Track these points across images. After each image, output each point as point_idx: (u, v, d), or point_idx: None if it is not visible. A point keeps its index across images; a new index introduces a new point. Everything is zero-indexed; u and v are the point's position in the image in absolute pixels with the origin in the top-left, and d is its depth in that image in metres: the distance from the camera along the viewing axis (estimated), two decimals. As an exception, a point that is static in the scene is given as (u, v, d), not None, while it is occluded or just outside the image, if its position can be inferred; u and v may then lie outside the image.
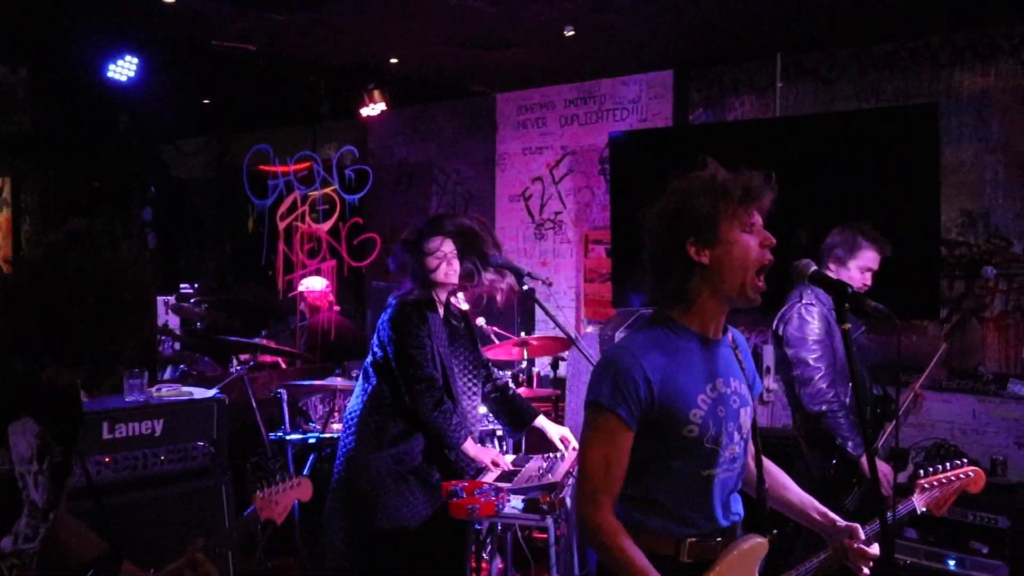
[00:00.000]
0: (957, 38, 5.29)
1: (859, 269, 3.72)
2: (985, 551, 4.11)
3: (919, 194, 4.86)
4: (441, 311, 3.78)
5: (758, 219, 2.06)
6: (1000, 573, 4.00)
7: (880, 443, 3.86)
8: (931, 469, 2.52)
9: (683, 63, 6.37)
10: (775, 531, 2.19)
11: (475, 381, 3.88)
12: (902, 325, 2.03)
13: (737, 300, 2.06)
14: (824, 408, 3.59)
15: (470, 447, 3.67)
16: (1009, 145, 5.16)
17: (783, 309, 3.73)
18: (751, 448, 2.26)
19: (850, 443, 3.59)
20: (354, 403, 3.80)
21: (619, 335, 4.89)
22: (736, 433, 2.13)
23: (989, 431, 5.08)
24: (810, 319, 3.65)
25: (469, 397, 3.83)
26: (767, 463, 2.33)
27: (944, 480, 2.51)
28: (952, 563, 4.17)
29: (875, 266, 3.73)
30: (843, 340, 1.92)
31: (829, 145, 5.15)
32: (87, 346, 1.75)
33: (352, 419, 3.76)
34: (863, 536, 2.21)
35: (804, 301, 3.68)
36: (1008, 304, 5.14)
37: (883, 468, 3.68)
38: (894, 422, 3.85)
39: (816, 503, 2.32)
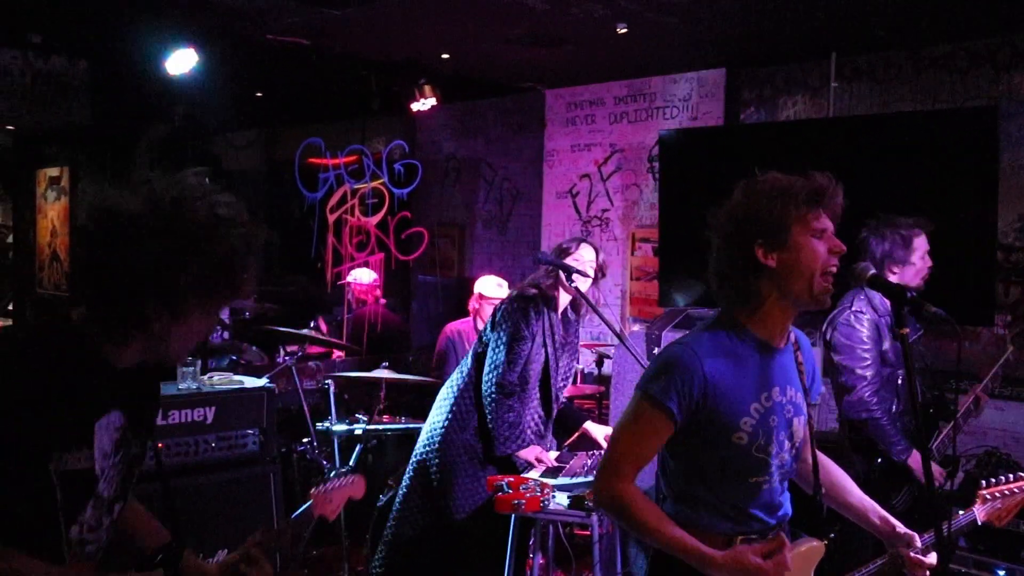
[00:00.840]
0: (1017, 39, 5.18)
1: (920, 259, 3.67)
2: (1036, 562, 4.04)
3: (976, 198, 4.78)
4: (559, 313, 3.89)
5: (829, 225, 2.06)
6: (1051, 584, 3.92)
7: (934, 445, 3.81)
8: (993, 480, 2.46)
9: (735, 62, 6.32)
10: (832, 535, 2.19)
11: (565, 383, 4.01)
12: (950, 319, 2.01)
13: (805, 302, 2.06)
14: (866, 416, 3.57)
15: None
16: (1070, 149, 5.05)
17: (833, 313, 3.70)
18: (807, 451, 2.26)
19: (895, 448, 3.57)
20: (451, 386, 3.94)
21: (666, 334, 4.87)
22: (787, 442, 2.13)
23: (1043, 440, 4.99)
24: (859, 327, 3.62)
25: (558, 400, 3.95)
26: (831, 465, 2.35)
27: (1008, 492, 2.44)
28: (1002, 573, 4.09)
29: (928, 247, 3.68)
30: (902, 345, 1.90)
31: (885, 147, 5.07)
32: (194, 292, 1.72)
33: (447, 401, 3.89)
34: (920, 545, 2.19)
35: (854, 308, 3.65)
36: (1065, 311, 5.03)
37: (935, 470, 3.63)
38: (951, 424, 3.79)
39: (877, 507, 2.31)
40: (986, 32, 5.22)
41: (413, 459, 3.94)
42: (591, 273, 3.81)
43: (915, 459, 3.60)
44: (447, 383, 3.99)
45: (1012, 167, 5.15)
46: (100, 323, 1.75)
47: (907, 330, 1.92)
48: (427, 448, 3.88)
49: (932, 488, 2.02)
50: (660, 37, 5.62)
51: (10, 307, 9.53)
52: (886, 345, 3.66)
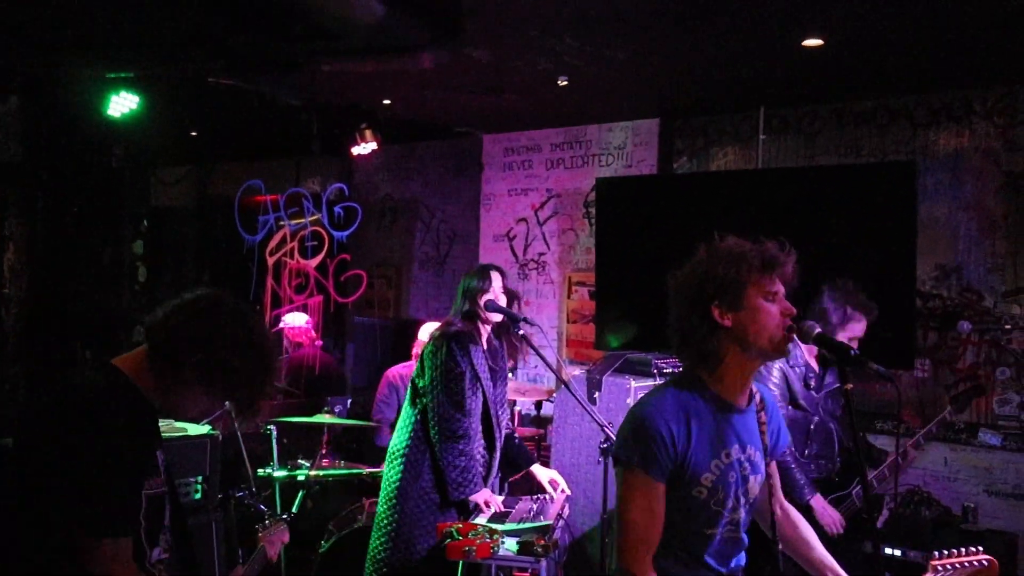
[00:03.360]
0: (934, 99, 5.52)
1: (856, 333, 3.89)
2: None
3: (897, 247, 5.02)
4: (484, 344, 3.93)
5: (781, 288, 2.18)
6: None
7: (853, 491, 4.02)
8: (946, 552, 2.47)
9: (669, 112, 6.54)
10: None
11: (505, 413, 4.04)
12: (892, 375, 2.16)
13: (767, 355, 2.19)
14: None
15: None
16: (982, 204, 5.37)
17: None
18: (779, 499, 2.39)
19: (799, 490, 3.79)
20: (399, 437, 3.93)
21: (607, 378, 4.98)
22: (743, 498, 2.24)
23: (960, 478, 5.23)
24: (767, 374, 3.82)
25: (500, 427, 3.96)
26: (800, 520, 2.48)
27: (958, 565, 2.44)
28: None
29: (862, 334, 3.90)
30: (845, 400, 2.03)
31: (811, 197, 5.31)
32: (240, 384, 2.11)
33: (398, 453, 3.88)
34: None
35: None
36: (979, 356, 5.31)
37: (832, 514, 3.84)
38: (876, 472, 3.99)
39: (835, 566, 2.41)
40: (904, 90, 5.54)
41: (377, 518, 3.92)
42: (504, 298, 3.92)
43: (818, 502, 3.81)
44: (395, 435, 3.98)
45: (929, 219, 5.45)
46: (155, 372, 2.08)
47: (851, 386, 2.05)
48: (386, 505, 3.87)
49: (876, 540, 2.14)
50: (598, 88, 5.81)
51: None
52: (797, 392, 3.87)
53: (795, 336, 2.16)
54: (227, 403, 2.20)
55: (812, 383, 4.01)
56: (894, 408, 5.03)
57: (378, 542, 3.87)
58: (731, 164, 6.34)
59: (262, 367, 2.13)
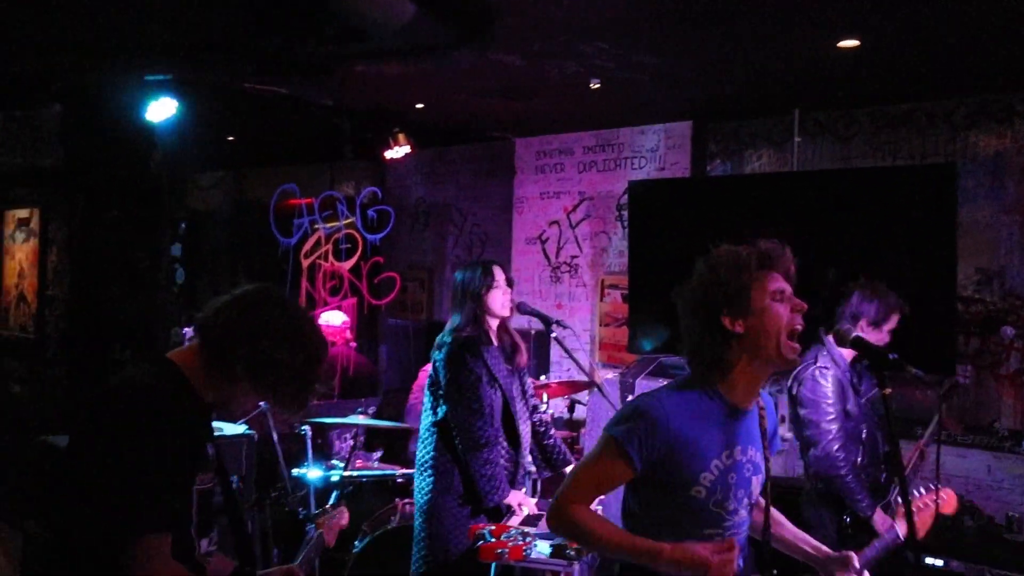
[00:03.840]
0: (973, 101, 5.44)
1: (887, 333, 3.83)
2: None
3: (936, 251, 4.95)
4: (496, 341, 3.91)
5: (786, 286, 2.18)
6: (1014, 629, 4.03)
7: (891, 498, 3.95)
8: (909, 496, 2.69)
9: (702, 115, 6.51)
10: (775, 572, 2.30)
11: (526, 407, 4.02)
12: (925, 378, 2.15)
13: (775, 363, 2.17)
14: (832, 472, 3.70)
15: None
16: (1023, 206, 5.27)
17: (798, 369, 3.81)
18: (760, 500, 2.37)
19: (860, 504, 3.70)
20: (423, 447, 3.93)
21: (640, 382, 4.96)
22: (745, 499, 2.24)
23: (1004, 487, 5.13)
24: (824, 382, 3.76)
25: (524, 421, 3.95)
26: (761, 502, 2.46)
27: (920, 506, 2.84)
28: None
29: (888, 336, 3.86)
30: (884, 404, 2.01)
31: (847, 201, 5.25)
32: (286, 378, 2.12)
33: (425, 464, 3.88)
34: (857, 563, 2.35)
35: (819, 364, 3.79)
36: None
37: (887, 520, 3.78)
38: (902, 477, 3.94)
39: (808, 538, 2.46)
40: (943, 93, 5.46)
41: (415, 530, 3.93)
42: (509, 288, 3.90)
43: (878, 515, 3.75)
44: (420, 444, 3.96)
45: (970, 222, 5.36)
46: (206, 367, 2.09)
47: (889, 390, 2.03)
48: (421, 517, 3.88)
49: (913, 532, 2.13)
50: (630, 92, 5.79)
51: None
52: (850, 400, 3.81)
53: (833, 340, 2.16)
54: (266, 402, 2.19)
55: (858, 387, 3.95)
56: (935, 414, 4.95)
57: (418, 555, 3.89)
58: (765, 167, 6.29)
59: (308, 361, 2.12)
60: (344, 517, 2.86)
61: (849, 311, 3.85)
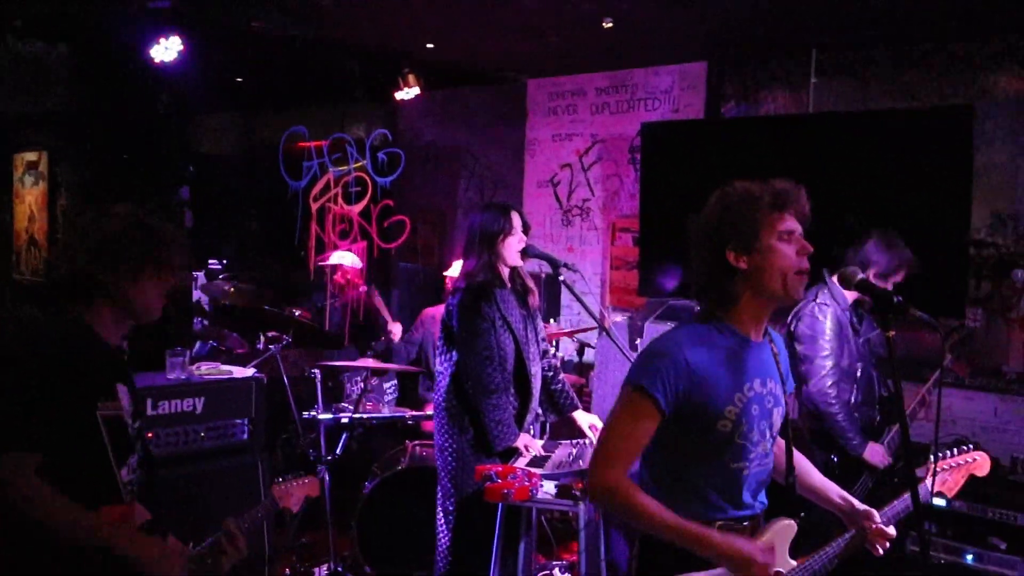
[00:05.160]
0: (994, 41, 5.30)
1: (893, 285, 3.87)
2: (1003, 547, 4.18)
3: (950, 194, 4.89)
4: (509, 284, 3.92)
5: (796, 227, 2.17)
6: (1018, 569, 4.07)
7: (885, 440, 4.01)
8: (940, 455, 2.68)
9: (717, 56, 6.39)
10: (802, 514, 2.31)
11: (538, 349, 4.03)
12: (936, 323, 2.13)
13: (779, 299, 2.18)
14: (823, 408, 3.76)
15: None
16: (1042, 149, 5.18)
17: (798, 306, 3.85)
18: (780, 440, 2.38)
19: (851, 442, 3.79)
20: (437, 390, 3.97)
21: (649, 325, 4.95)
22: (768, 431, 2.26)
23: (1011, 429, 5.14)
24: (821, 319, 3.80)
25: (535, 364, 3.97)
26: (794, 451, 2.45)
27: (952, 465, 2.69)
28: (970, 558, 4.24)
29: (901, 281, 3.89)
30: (887, 346, 2.00)
31: (862, 142, 5.17)
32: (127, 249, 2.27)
33: (439, 407, 3.93)
34: (879, 519, 2.36)
35: (818, 300, 3.83)
36: (1035, 305, 5.18)
37: (877, 449, 3.83)
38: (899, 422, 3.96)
39: (837, 488, 2.47)
40: (964, 34, 5.33)
41: (439, 473, 3.98)
42: (526, 236, 3.90)
43: (869, 451, 3.79)
44: (436, 386, 4.00)
45: (986, 165, 5.27)
46: (67, 289, 2.27)
47: (893, 332, 2.01)
48: (440, 457, 3.93)
49: (910, 462, 2.14)
50: (644, 31, 5.68)
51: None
52: (847, 339, 3.83)
53: (836, 280, 2.15)
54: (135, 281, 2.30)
55: (858, 328, 3.97)
56: (938, 358, 4.93)
57: (440, 492, 3.96)
58: (780, 109, 6.18)
59: (123, 225, 2.28)
60: (312, 487, 2.90)
61: (860, 257, 3.85)
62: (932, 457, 2.64)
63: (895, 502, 2.41)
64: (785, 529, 2.28)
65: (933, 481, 2.45)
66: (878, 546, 2.37)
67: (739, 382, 2.18)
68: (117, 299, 2.26)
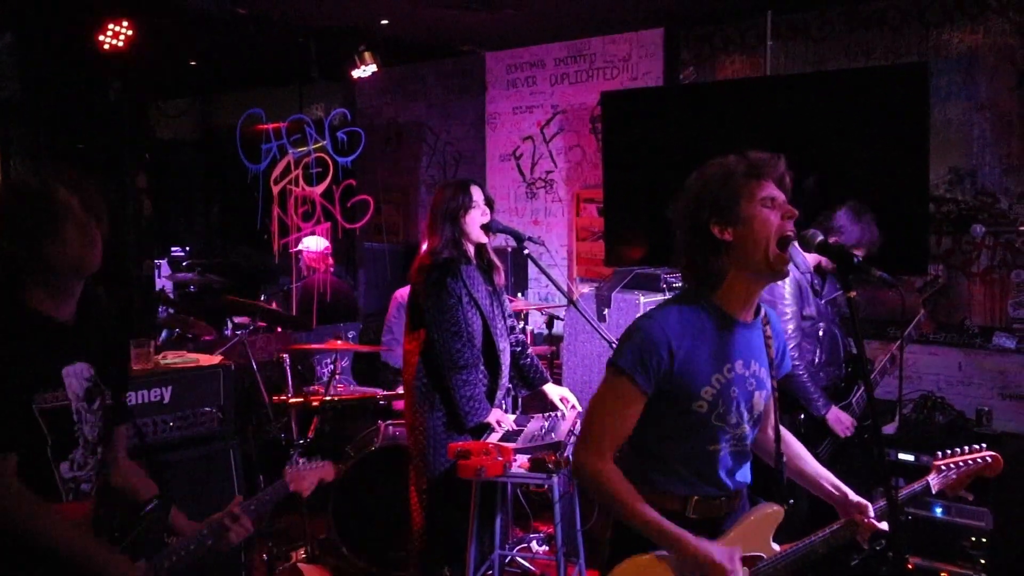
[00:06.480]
0: (946, -4, 5.34)
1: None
2: (971, 499, 4.25)
3: (908, 151, 4.93)
4: (475, 261, 3.90)
5: (778, 193, 2.16)
6: (985, 520, 4.14)
7: (852, 399, 4.06)
8: (948, 451, 2.54)
9: (673, 21, 6.38)
10: (791, 501, 2.31)
11: (505, 324, 4.02)
12: (901, 284, 2.14)
13: (765, 274, 2.17)
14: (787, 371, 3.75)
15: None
16: (996, 104, 5.23)
17: None
18: (771, 421, 2.38)
19: (816, 403, 3.82)
20: (407, 368, 3.95)
21: (616, 295, 4.97)
22: (747, 413, 2.24)
23: (974, 383, 5.23)
24: (780, 283, 3.79)
25: (503, 340, 3.96)
26: (790, 438, 2.48)
27: (961, 463, 2.52)
28: (938, 510, 4.31)
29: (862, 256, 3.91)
30: (850, 307, 2.01)
31: (820, 104, 5.20)
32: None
33: (409, 385, 3.92)
34: (872, 513, 2.33)
35: None
36: (994, 259, 5.25)
37: (842, 417, 3.87)
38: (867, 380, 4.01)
39: (831, 477, 2.44)
40: (915, -10, 5.36)
41: (412, 452, 3.98)
42: (488, 210, 3.88)
43: (832, 415, 3.84)
44: (404, 365, 3.99)
45: (942, 122, 5.33)
46: (21, 280, 2.13)
47: (854, 293, 2.02)
48: (411, 436, 3.93)
49: (887, 479, 2.11)
50: (599, -1, 5.65)
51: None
52: (808, 302, 3.87)
53: (796, 244, 2.13)
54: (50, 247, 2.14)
55: (819, 289, 4.01)
56: (908, 315, 5.00)
57: (414, 472, 3.96)
58: (738, 73, 6.20)
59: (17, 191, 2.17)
60: (327, 471, 2.76)
61: (829, 223, 3.87)
62: (939, 453, 2.54)
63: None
64: (770, 515, 2.29)
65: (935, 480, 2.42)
66: (867, 539, 2.33)
67: (719, 363, 2.18)
68: (37, 268, 2.12)
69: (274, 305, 5.99)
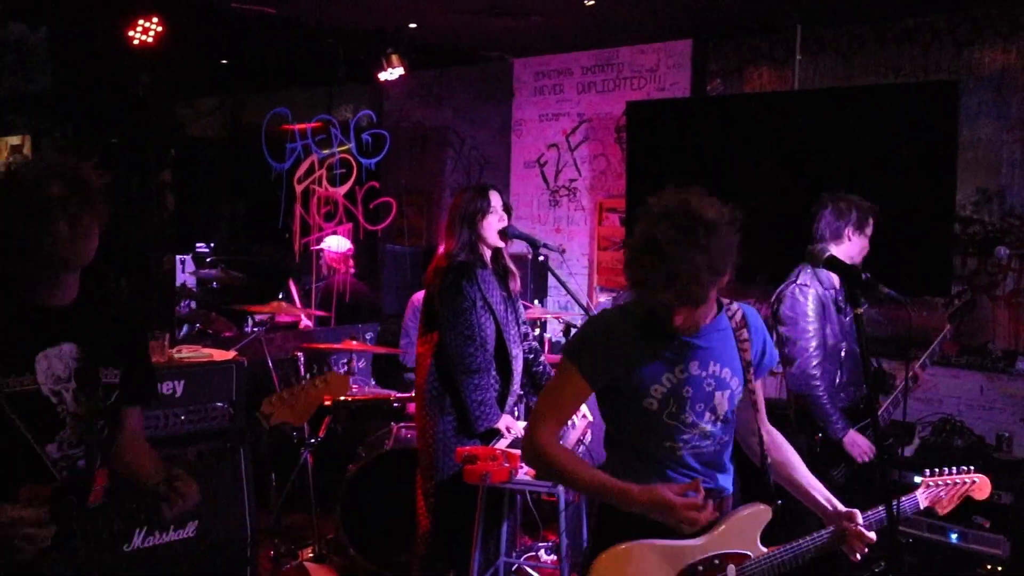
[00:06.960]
0: (978, 15, 5.27)
1: (867, 237, 3.79)
2: (987, 525, 4.18)
3: (935, 170, 4.87)
4: (491, 266, 3.89)
5: None
6: (1002, 547, 4.06)
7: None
8: (937, 470, 2.61)
9: (702, 33, 6.35)
10: (780, 501, 2.29)
11: (519, 331, 4.01)
12: (911, 302, 2.11)
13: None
14: (807, 390, 3.71)
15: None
16: (1027, 124, 5.16)
17: (780, 287, 3.81)
18: (754, 424, 2.36)
19: (834, 425, 3.72)
20: (418, 372, 3.95)
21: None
22: (708, 413, 2.24)
23: (996, 407, 5.14)
24: (802, 299, 3.73)
25: (516, 346, 3.95)
26: (783, 443, 2.46)
27: (948, 482, 2.59)
28: (954, 536, 4.23)
29: (860, 252, 3.79)
30: (856, 324, 1.98)
31: (847, 119, 5.15)
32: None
33: (420, 389, 3.92)
34: (862, 521, 2.31)
35: (799, 281, 3.76)
36: (1019, 283, 5.17)
37: (859, 441, 3.78)
38: (890, 399, 3.94)
39: (821, 487, 2.42)
40: (947, 6, 5.30)
41: (420, 455, 3.97)
42: (506, 216, 3.87)
43: (849, 439, 3.75)
44: (416, 370, 4.00)
45: (971, 141, 5.26)
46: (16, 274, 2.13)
47: (862, 309, 1.99)
48: (421, 440, 3.93)
49: (885, 477, 2.10)
50: (627, 8, 5.63)
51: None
52: (831, 319, 3.78)
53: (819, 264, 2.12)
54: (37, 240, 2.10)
55: (843, 307, 3.92)
56: (916, 334, 4.91)
57: (421, 475, 3.95)
58: (766, 86, 6.16)
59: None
60: (329, 387, 2.45)
61: (827, 225, 3.78)
62: (927, 471, 2.60)
63: (880, 508, 2.31)
64: (757, 514, 2.28)
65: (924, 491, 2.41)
66: (855, 549, 2.31)
67: (672, 363, 2.20)
68: (27, 260, 2.10)
69: (290, 302, 6.00)
